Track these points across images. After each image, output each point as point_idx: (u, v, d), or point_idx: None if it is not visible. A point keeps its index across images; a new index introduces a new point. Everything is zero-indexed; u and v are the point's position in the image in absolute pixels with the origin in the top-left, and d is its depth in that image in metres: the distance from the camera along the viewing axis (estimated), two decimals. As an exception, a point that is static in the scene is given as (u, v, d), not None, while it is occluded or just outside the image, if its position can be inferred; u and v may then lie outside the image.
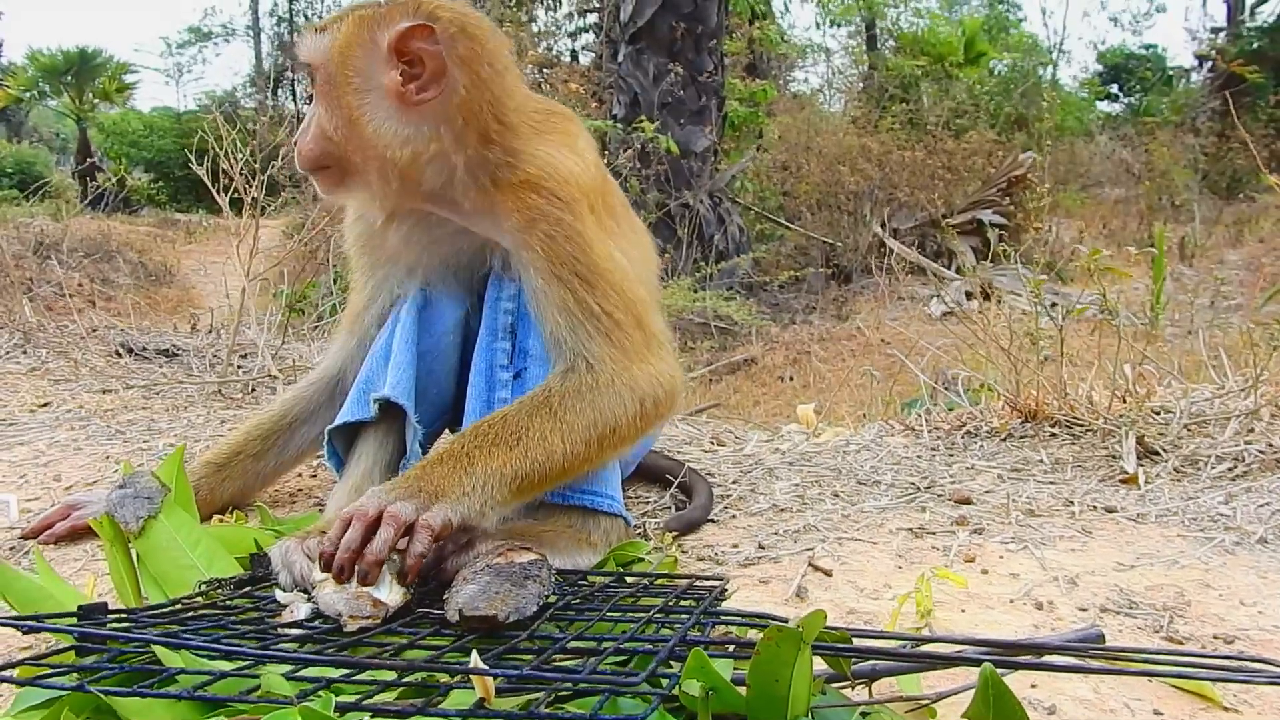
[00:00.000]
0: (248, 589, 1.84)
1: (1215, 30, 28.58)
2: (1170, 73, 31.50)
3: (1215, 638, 1.94)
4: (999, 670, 1.26)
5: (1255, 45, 25.13)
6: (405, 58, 2.03)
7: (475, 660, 1.28)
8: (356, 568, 1.66)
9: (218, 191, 4.89)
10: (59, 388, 4.30)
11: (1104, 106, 31.55)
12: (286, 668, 1.35)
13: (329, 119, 2.12)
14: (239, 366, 4.79)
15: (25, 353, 5.05)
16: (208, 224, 21.83)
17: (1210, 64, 25.95)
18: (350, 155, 2.12)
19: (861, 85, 25.17)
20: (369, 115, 2.07)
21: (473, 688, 1.27)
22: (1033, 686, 1.65)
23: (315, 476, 3.00)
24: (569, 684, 1.29)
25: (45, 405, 3.96)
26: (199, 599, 1.77)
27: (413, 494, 1.78)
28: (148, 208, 27.20)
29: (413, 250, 2.33)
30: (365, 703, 1.22)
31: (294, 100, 33.54)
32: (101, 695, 1.23)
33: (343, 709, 1.17)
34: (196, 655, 1.36)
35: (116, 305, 9.16)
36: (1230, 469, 3.02)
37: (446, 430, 2.51)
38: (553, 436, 1.93)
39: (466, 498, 1.81)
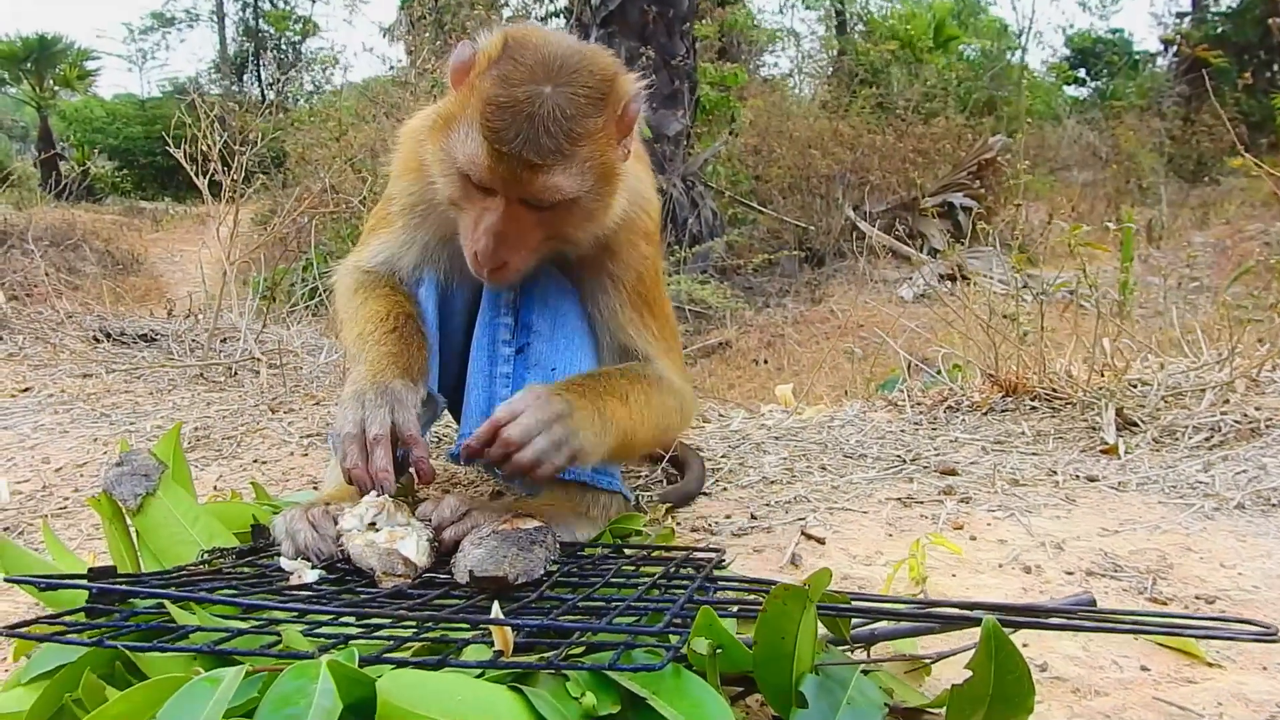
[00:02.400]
0: (249, 558, 1.85)
1: (1180, 15, 28.89)
2: (1136, 57, 31.73)
3: (1197, 598, 2.00)
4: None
5: (1219, 30, 25.38)
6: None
7: (496, 611, 1.31)
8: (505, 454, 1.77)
9: (197, 175, 4.85)
10: (39, 373, 4.27)
11: (1071, 91, 31.78)
12: (304, 625, 1.37)
13: None
14: (220, 350, 4.77)
15: (0, 339, 5.00)
16: (174, 212, 21.61)
17: (1175, 49, 26.19)
18: None
19: (831, 70, 25.19)
20: None
21: (488, 643, 1.30)
22: (1024, 645, 1.69)
23: (307, 455, 3.01)
24: (581, 642, 1.32)
25: (26, 390, 3.94)
26: (203, 567, 1.78)
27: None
28: (112, 196, 26.83)
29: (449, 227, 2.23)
30: (386, 656, 1.25)
31: (259, 85, 33.16)
32: (126, 650, 1.25)
33: (365, 662, 1.19)
34: (212, 614, 1.37)
35: (83, 294, 9.05)
36: (1207, 439, 3.08)
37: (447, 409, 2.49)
38: (646, 409, 2.06)
39: (596, 438, 1.91)
